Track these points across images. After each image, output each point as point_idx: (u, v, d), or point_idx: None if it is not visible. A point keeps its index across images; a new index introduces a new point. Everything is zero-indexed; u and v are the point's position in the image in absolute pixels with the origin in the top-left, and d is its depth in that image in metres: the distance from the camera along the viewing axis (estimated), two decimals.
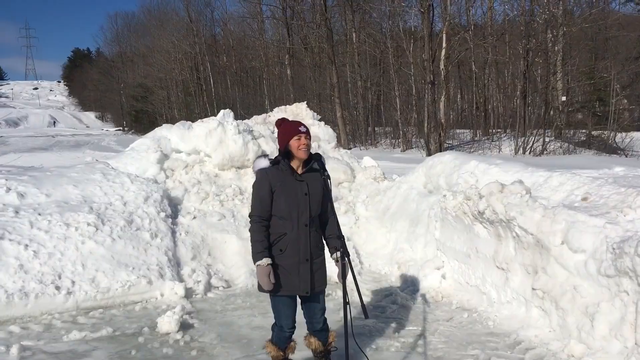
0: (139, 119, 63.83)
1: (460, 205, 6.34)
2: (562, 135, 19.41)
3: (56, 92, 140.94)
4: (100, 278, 6.38)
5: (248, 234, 7.51)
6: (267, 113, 10.28)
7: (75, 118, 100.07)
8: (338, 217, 4.00)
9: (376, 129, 30.18)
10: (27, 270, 6.11)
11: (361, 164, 9.45)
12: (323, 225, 4.08)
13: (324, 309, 4.16)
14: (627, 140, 18.54)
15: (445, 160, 7.59)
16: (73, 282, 6.23)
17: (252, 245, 3.84)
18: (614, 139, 18.59)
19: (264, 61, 42.14)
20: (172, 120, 52.60)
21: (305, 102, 10.46)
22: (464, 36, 23.03)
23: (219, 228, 7.73)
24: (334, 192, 8.61)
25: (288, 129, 3.91)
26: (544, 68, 20.95)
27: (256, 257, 3.79)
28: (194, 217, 7.80)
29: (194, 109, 50.45)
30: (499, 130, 27.17)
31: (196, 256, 7.29)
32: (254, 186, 3.91)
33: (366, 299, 6.18)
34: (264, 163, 3.93)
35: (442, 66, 19.33)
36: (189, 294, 6.62)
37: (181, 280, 6.77)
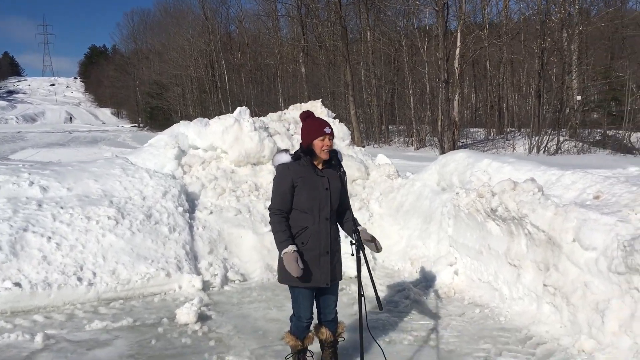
0: (154, 116, 64.37)
1: (473, 203, 6.43)
2: (577, 135, 19.36)
3: (72, 89, 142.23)
4: (120, 270, 6.55)
5: (264, 229, 7.76)
6: (282, 111, 10.40)
7: (92, 114, 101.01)
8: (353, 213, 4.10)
9: (390, 127, 30.25)
10: (50, 262, 6.30)
11: (375, 162, 9.56)
12: (339, 218, 4.21)
13: (337, 300, 4.30)
14: None
15: (458, 158, 7.67)
16: (94, 274, 6.41)
17: (275, 236, 3.92)
18: (629, 139, 18.52)
19: (279, 59, 42.33)
20: (187, 117, 52.65)
21: (320, 100, 10.57)
22: (478, 35, 23.03)
23: (235, 223, 7.87)
24: (349, 189, 8.72)
25: (313, 128, 3.98)
26: (559, 67, 20.90)
27: (281, 246, 3.88)
28: (211, 212, 7.95)
29: (208, 106, 50.83)
30: (512, 129, 27.12)
31: (213, 250, 7.44)
32: (275, 180, 4.02)
33: (380, 293, 6.29)
34: (286, 158, 4.03)
35: (456, 65, 19.37)
36: (206, 286, 6.77)
37: (198, 273, 6.93)
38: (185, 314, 5.70)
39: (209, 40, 50.33)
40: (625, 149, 18.23)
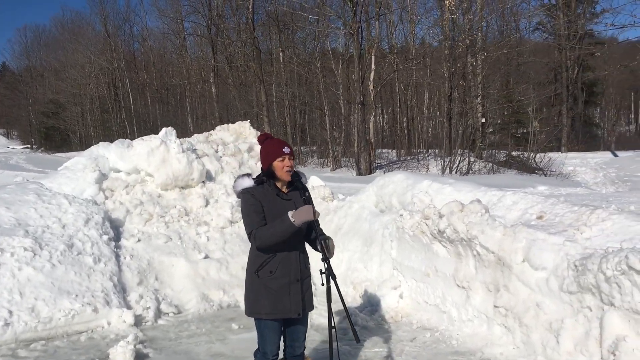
0: (50, 136, 60.90)
1: (418, 225, 6.37)
2: (484, 156, 20.20)
3: None
4: (41, 307, 5.91)
5: (197, 256, 7.33)
6: (209, 132, 10.00)
7: None
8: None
9: (302, 147, 30.24)
10: None
11: (308, 184, 9.36)
12: (306, 237, 3.97)
13: (306, 332, 4.06)
14: (546, 160, 19.59)
15: (396, 180, 7.64)
16: (10, 312, 5.73)
17: (275, 234, 3.57)
18: (534, 159, 19.56)
19: (187, 78, 41.42)
20: (87, 138, 50.68)
21: (248, 120, 10.27)
22: (391, 59, 23.67)
23: (165, 251, 7.38)
24: None
25: (271, 149, 3.77)
26: (465, 91, 21.85)
27: (282, 224, 3.54)
28: (139, 240, 7.41)
29: (111, 127, 48.73)
30: (421, 150, 27.95)
31: (143, 281, 6.91)
32: (243, 207, 3.72)
33: (325, 320, 6.08)
34: (248, 182, 3.77)
35: (371, 87, 19.69)
36: (138, 321, 6.24)
37: (128, 307, 6.39)
38: (121, 354, 5.20)
39: (112, 58, 48.41)
40: (529, 169, 19.25)
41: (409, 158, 25.65)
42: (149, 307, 6.48)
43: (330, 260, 3.82)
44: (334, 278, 3.74)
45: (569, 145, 30.55)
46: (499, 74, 23.19)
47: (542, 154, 20.21)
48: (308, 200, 3.79)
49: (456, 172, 17.89)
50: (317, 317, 5.99)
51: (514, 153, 20.69)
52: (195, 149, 8.81)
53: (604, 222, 5.31)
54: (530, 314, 5.19)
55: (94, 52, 49.93)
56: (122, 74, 48.36)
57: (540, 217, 5.93)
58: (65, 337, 5.85)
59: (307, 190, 3.86)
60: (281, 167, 3.72)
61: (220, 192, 8.47)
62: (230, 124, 10.01)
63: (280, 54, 27.94)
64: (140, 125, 45.31)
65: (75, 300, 6.10)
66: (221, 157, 9.16)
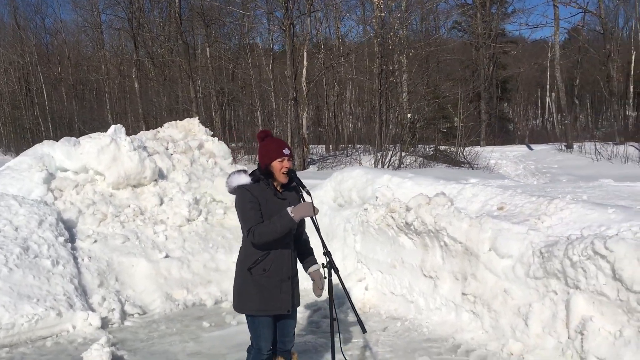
0: None
1: (384, 218, 6.56)
2: (413, 150, 20.85)
3: None
4: (1, 313, 5.64)
5: (157, 255, 7.20)
6: (156, 129, 9.78)
7: None
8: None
9: (232, 144, 29.84)
10: None
11: None
12: (297, 242, 4.07)
13: (295, 326, 4.14)
14: (472, 154, 20.52)
15: (355, 175, 7.81)
16: None
17: (274, 230, 3.60)
18: (463, 153, 20.41)
19: (106, 73, 39.89)
20: None
21: (177, 118, 10.12)
22: (323, 55, 23.94)
23: (124, 251, 7.20)
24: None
25: (272, 149, 3.78)
26: (394, 87, 22.45)
27: (282, 219, 3.60)
28: (95, 241, 7.18)
29: (23, 124, 46.16)
30: (349, 145, 28.42)
31: (103, 282, 6.72)
32: (239, 204, 3.73)
33: (299, 315, 6.16)
34: (245, 179, 3.77)
35: (304, 83, 19.84)
36: (104, 324, 6.08)
37: (92, 309, 6.20)
38: (97, 357, 5.06)
39: (23, 51, 45.74)
40: (456, 163, 20.07)
41: (337, 153, 26.01)
42: (114, 309, 6.32)
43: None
44: (337, 271, 3.83)
45: (487, 140, 32.04)
46: (426, 71, 23.99)
47: (469, 148, 21.13)
48: (310, 197, 3.86)
49: (389, 167, 18.39)
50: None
51: (441, 147, 21.50)
52: (145, 147, 8.61)
53: (562, 211, 5.69)
54: (498, 300, 5.49)
55: (3, 45, 47.03)
56: (35, 69, 45.84)
57: (501, 208, 6.27)
58: (29, 343, 5.61)
59: (306, 187, 3.90)
60: (279, 168, 3.75)
61: (174, 190, 8.33)
62: (178, 121, 9.83)
63: (207, 49, 27.51)
64: (56, 122, 43.21)
65: (37, 305, 5.86)
66: (172, 154, 8.99)
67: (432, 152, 21.66)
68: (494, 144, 30.89)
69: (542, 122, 54.04)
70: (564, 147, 26.28)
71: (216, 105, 26.48)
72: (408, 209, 6.17)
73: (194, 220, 8.01)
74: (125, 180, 8.09)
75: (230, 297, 7.03)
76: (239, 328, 6.09)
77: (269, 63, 23.33)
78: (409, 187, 7.07)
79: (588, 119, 45.58)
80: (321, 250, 3.87)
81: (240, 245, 3.93)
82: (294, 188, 3.91)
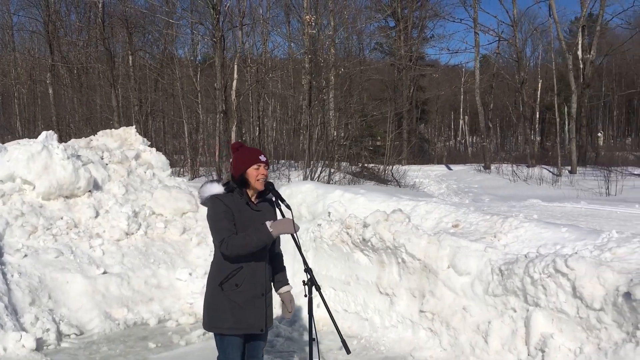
0: None
1: (338, 234, 6.46)
2: (340, 167, 20.99)
3: None
4: None
5: (94, 271, 6.75)
6: (90, 137, 9.23)
7: None
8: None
9: None
10: None
11: None
12: (270, 257, 3.89)
13: (264, 347, 3.94)
14: (399, 173, 20.93)
15: (305, 190, 7.68)
16: None
17: (249, 242, 3.42)
18: (391, 171, 20.75)
19: (15, 78, 37.66)
20: None
21: (133, 127, 9.65)
22: (252, 69, 23.74)
23: (57, 266, 6.67)
24: (181, 223, 8.09)
25: (247, 156, 3.63)
26: (322, 104, 22.58)
27: (258, 232, 3.44)
28: (25, 255, 6.62)
29: None
30: (274, 160, 28.23)
31: (35, 300, 6.17)
32: (211, 214, 3.52)
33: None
34: (218, 188, 3.57)
35: (233, 96, 19.55)
36: (39, 345, 5.57)
37: (24, 330, 5.67)
38: None
39: None
40: (383, 180, 20.39)
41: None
42: (49, 329, 5.82)
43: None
44: (318, 289, 3.69)
45: (408, 159, 32.89)
46: (356, 90, 24.32)
47: (395, 167, 21.54)
48: (289, 211, 3.69)
49: (317, 182, 18.34)
50: None
51: (369, 165, 21.79)
52: (79, 156, 8.09)
53: (517, 229, 5.81)
54: (457, 317, 5.50)
55: None
56: None
57: (456, 226, 6.33)
58: None
59: (285, 201, 3.73)
60: (255, 175, 3.59)
61: (110, 202, 7.86)
62: (113, 130, 9.33)
63: (130, 57, 26.61)
64: None
65: None
66: (107, 164, 8.50)
67: (359, 170, 21.87)
68: (414, 163, 31.75)
69: (455, 143, 56.20)
70: (482, 168, 27.37)
71: (138, 115, 25.56)
72: (366, 225, 6.10)
73: (133, 234, 7.58)
74: (57, 190, 7.55)
75: (175, 316, 6.75)
76: (187, 349, 5.79)
77: (196, 74, 22.85)
78: (361, 203, 7.02)
79: (497, 142, 47.85)
80: (300, 267, 3.70)
81: (212, 260, 3.71)
82: (269, 200, 3.75)
